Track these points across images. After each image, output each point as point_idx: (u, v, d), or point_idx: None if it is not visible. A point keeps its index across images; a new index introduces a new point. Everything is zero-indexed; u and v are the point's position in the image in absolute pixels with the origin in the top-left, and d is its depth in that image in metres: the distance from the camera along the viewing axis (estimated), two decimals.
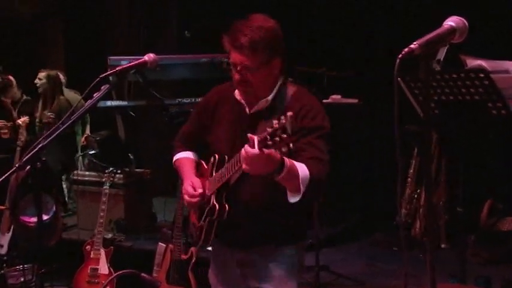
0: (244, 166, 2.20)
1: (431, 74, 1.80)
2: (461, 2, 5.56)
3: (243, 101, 2.60)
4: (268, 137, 2.05)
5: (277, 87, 2.55)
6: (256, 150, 2.10)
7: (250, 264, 2.65)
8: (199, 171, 2.76)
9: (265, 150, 2.08)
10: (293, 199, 2.32)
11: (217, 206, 2.51)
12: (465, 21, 1.86)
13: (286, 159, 2.22)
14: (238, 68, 2.45)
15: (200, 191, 2.59)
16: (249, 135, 2.15)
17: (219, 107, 2.70)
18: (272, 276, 2.62)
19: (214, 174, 2.60)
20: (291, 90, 2.56)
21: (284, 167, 2.21)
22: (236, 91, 2.61)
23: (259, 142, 2.08)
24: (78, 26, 8.80)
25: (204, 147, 2.77)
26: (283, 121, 2.02)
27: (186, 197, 2.64)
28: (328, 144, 2.46)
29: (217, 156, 2.60)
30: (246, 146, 2.16)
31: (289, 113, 2.04)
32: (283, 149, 2.05)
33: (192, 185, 2.62)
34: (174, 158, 2.87)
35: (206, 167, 2.71)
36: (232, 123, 2.62)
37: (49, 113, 6.08)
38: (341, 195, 6.46)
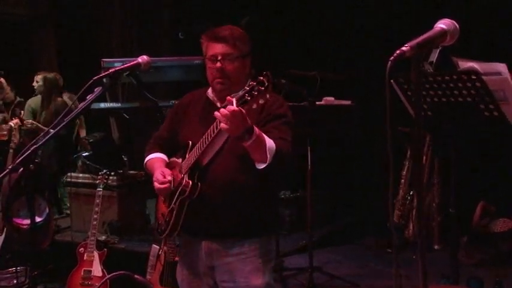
0: (222, 125, 2.34)
1: (422, 75, 1.81)
2: (453, 4, 5.60)
3: (215, 98, 2.75)
4: (246, 94, 2.26)
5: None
6: (235, 107, 2.28)
7: (218, 255, 2.70)
8: (170, 166, 2.83)
9: (241, 109, 2.28)
10: (260, 166, 2.49)
11: (190, 182, 2.60)
12: (456, 24, 1.87)
13: (256, 128, 2.41)
14: (219, 58, 2.63)
15: (169, 178, 2.68)
16: (228, 97, 2.33)
17: (191, 108, 2.85)
18: (240, 268, 2.67)
19: (187, 157, 2.69)
20: None
21: (253, 133, 2.39)
22: (209, 90, 2.79)
23: (237, 100, 2.29)
24: (71, 28, 8.80)
25: (176, 151, 2.85)
26: (260, 77, 2.24)
27: (156, 184, 2.71)
28: (291, 131, 2.66)
29: (190, 142, 2.70)
30: (227, 106, 2.32)
31: (266, 72, 2.27)
32: (261, 101, 2.27)
33: (162, 173, 2.71)
34: (146, 160, 2.95)
35: (178, 160, 2.80)
36: (203, 118, 2.74)
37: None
38: (334, 197, 6.49)
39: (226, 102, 2.31)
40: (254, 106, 2.29)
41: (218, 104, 2.70)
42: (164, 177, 2.68)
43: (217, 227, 2.67)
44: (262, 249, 2.71)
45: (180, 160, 2.77)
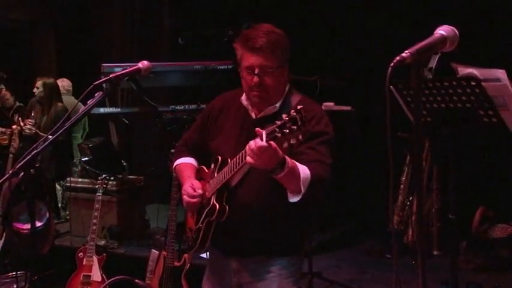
0: (249, 159, 2.21)
1: (422, 82, 1.82)
2: (453, 11, 5.62)
3: (249, 106, 2.61)
4: (277, 129, 2.09)
5: (284, 94, 2.59)
6: (263, 142, 2.11)
7: (247, 274, 2.63)
8: (199, 176, 2.75)
9: (272, 143, 2.12)
10: (293, 199, 2.35)
11: (217, 206, 2.51)
12: (456, 30, 1.88)
13: (288, 159, 2.24)
14: (256, 71, 2.45)
15: (200, 192, 2.59)
16: (257, 129, 2.16)
17: (223, 114, 2.71)
18: (270, 287, 2.60)
19: (216, 175, 2.59)
20: (296, 98, 2.59)
21: (285, 166, 2.23)
22: (243, 97, 2.63)
23: (267, 135, 2.12)
24: (70, 34, 8.82)
25: (206, 154, 2.77)
26: (294, 113, 2.08)
27: (185, 197, 2.63)
28: (331, 149, 2.49)
29: (220, 158, 2.59)
30: (255, 139, 2.17)
31: (300, 106, 2.10)
32: (292, 141, 2.10)
33: (192, 186, 2.62)
34: (175, 164, 2.86)
35: (207, 171, 2.71)
36: (236, 128, 2.62)
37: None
38: (334, 202, 6.48)
39: (257, 134, 2.16)
40: (285, 145, 2.13)
41: (253, 114, 2.59)
42: (194, 191, 2.60)
43: (245, 246, 2.60)
44: (291, 268, 2.63)
45: (209, 171, 2.70)
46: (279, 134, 2.09)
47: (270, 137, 2.12)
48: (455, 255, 3.68)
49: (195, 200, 2.60)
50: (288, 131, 2.08)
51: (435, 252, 5.47)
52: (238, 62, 2.54)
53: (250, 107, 2.61)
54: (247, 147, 2.22)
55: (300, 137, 2.10)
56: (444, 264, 4.31)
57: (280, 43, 2.48)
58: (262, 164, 2.20)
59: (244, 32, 2.52)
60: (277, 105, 2.55)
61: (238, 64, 2.55)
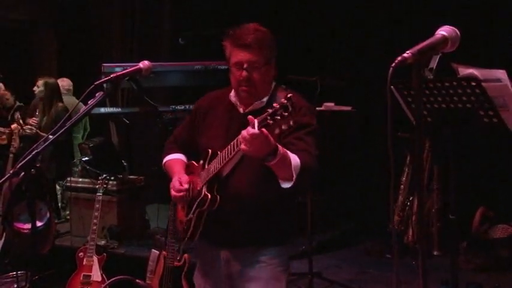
0: (242, 146, 2.27)
1: (423, 82, 1.82)
2: (453, 11, 5.62)
3: (237, 102, 2.68)
4: (268, 117, 2.18)
5: (271, 90, 2.66)
6: (256, 130, 2.19)
7: (237, 264, 2.68)
8: (189, 170, 2.80)
9: (264, 130, 2.19)
10: (285, 185, 2.41)
11: (209, 195, 2.56)
12: (457, 31, 1.88)
13: (280, 146, 2.32)
14: (245, 66, 2.54)
15: (186, 186, 2.65)
16: (250, 117, 2.24)
17: (212, 110, 2.78)
18: (258, 277, 2.65)
19: (206, 167, 2.64)
20: (282, 94, 2.63)
21: (277, 153, 2.30)
22: (231, 93, 2.70)
23: (259, 122, 2.20)
24: (70, 34, 8.82)
25: (195, 152, 2.82)
26: (284, 101, 2.17)
27: (172, 191, 2.69)
28: (317, 140, 2.57)
29: (210, 151, 2.65)
30: (248, 127, 2.24)
31: (290, 94, 2.19)
32: (284, 127, 2.19)
33: (179, 180, 2.68)
34: (164, 160, 2.92)
35: (197, 165, 2.76)
36: (225, 123, 2.69)
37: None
38: (334, 202, 6.49)
39: (248, 119, 2.24)
40: (276, 131, 2.21)
41: (241, 110, 2.66)
42: (181, 185, 2.66)
43: (235, 237, 2.64)
44: (281, 257, 2.69)
45: (198, 164, 2.74)
46: (271, 121, 2.18)
47: (262, 124, 2.20)
48: (456, 255, 3.68)
49: (180, 194, 2.66)
50: (279, 117, 2.17)
51: (435, 253, 5.48)
52: (227, 59, 2.62)
53: (238, 103, 2.68)
54: (240, 135, 2.29)
55: (291, 122, 2.19)
56: (444, 264, 4.31)
57: (267, 40, 2.58)
58: (255, 151, 2.27)
59: (232, 31, 2.61)
60: (265, 99, 2.62)
61: (227, 61, 2.63)
